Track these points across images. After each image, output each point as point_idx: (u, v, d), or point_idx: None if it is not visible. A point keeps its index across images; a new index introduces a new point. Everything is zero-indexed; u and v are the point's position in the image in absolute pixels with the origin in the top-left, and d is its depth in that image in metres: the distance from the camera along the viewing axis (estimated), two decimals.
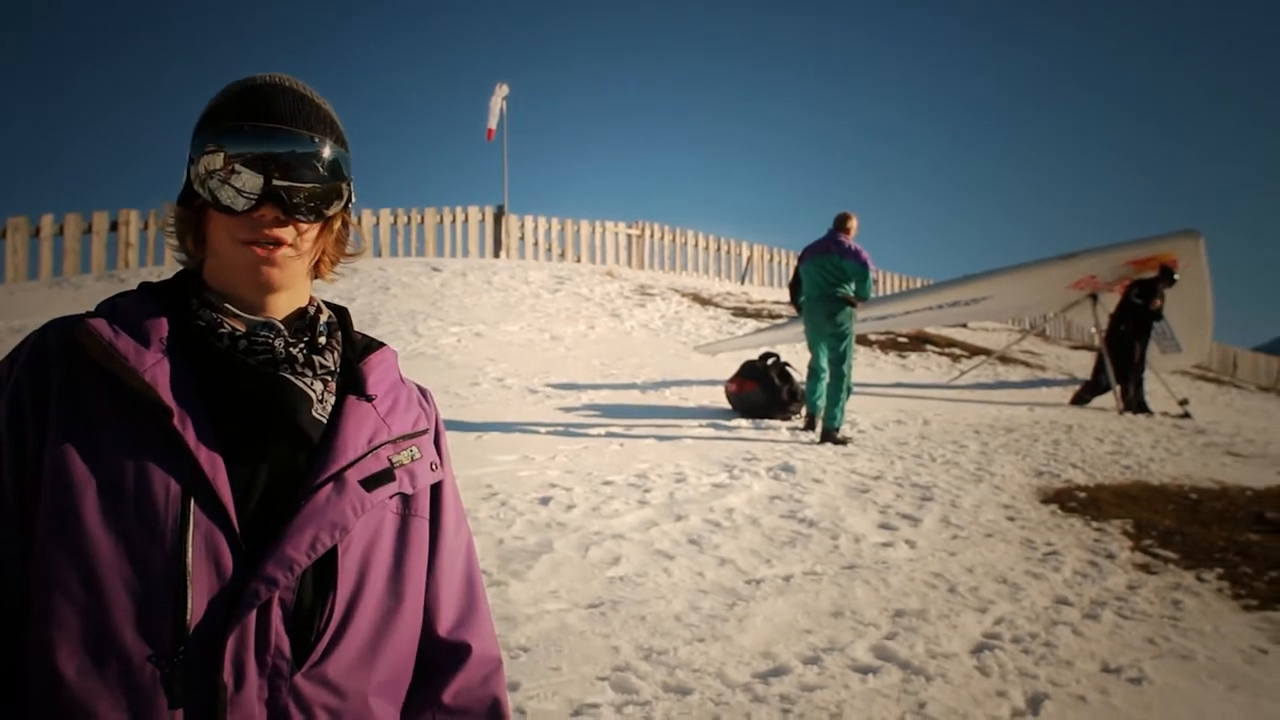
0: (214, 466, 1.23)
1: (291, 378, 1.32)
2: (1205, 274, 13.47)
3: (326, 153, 1.33)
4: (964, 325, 20.00)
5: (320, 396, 1.34)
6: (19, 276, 15.97)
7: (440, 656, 1.42)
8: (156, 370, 1.25)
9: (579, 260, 21.39)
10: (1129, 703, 4.18)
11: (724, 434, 9.22)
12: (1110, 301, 14.04)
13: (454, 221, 20.01)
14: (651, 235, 22.85)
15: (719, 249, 24.25)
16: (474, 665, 1.44)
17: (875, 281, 9.81)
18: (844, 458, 8.45)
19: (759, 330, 14.61)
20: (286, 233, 1.31)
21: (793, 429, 9.69)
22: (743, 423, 9.82)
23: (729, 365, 11.56)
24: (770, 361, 10.42)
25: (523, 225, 20.97)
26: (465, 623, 1.45)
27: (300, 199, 1.30)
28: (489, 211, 20.57)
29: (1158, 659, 4.66)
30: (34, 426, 1.23)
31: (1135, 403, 12.96)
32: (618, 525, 6.05)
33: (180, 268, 1.40)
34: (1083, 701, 4.14)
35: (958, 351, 17.13)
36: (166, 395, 1.24)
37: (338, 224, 1.41)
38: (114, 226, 16.89)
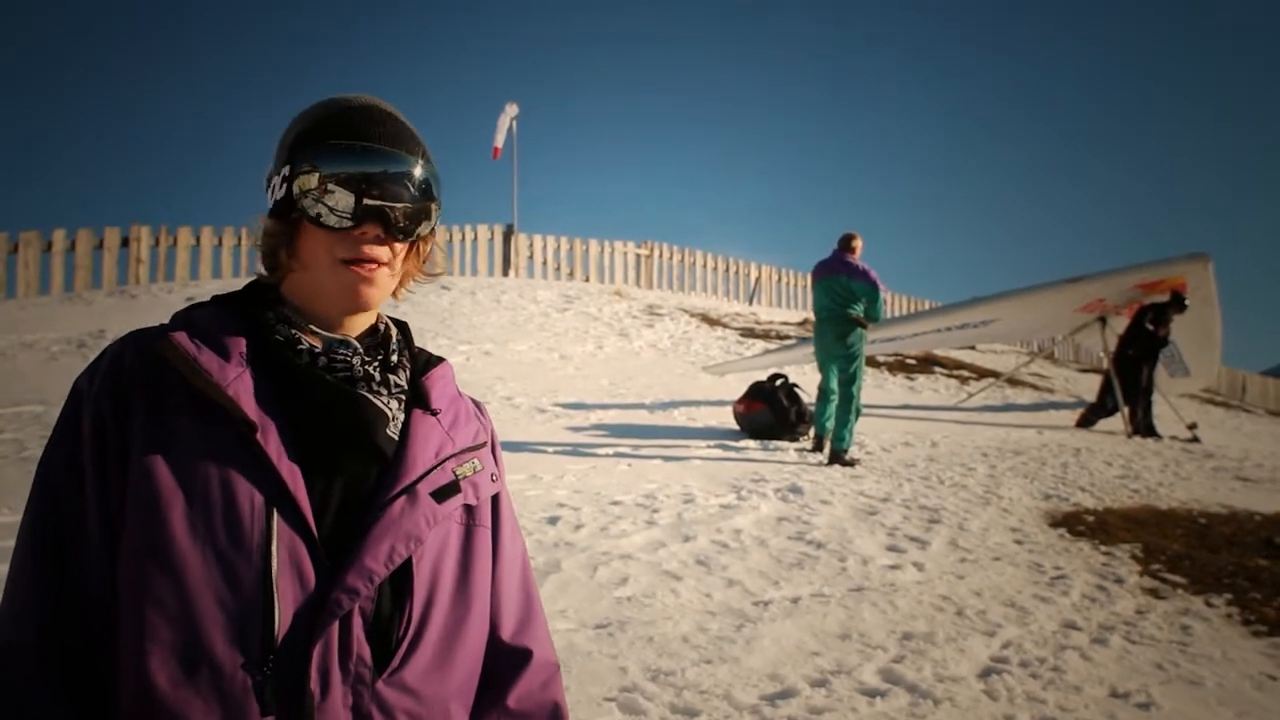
0: (294, 480, 1.26)
1: (370, 396, 1.35)
2: (1214, 297, 13.44)
3: (418, 172, 1.36)
4: (972, 347, 19.97)
5: (394, 414, 1.37)
6: (30, 291, 16.05)
7: (503, 661, 1.46)
8: (239, 385, 1.27)
9: (588, 279, 21.44)
10: None
11: (732, 455, 9.23)
12: (1119, 325, 14.03)
13: (463, 240, 20.05)
14: (660, 255, 22.90)
15: (727, 269, 24.29)
16: (535, 670, 1.48)
17: (885, 302, 9.81)
18: (852, 479, 8.44)
19: (767, 351, 14.61)
20: (384, 252, 1.35)
21: (801, 450, 9.69)
22: (751, 444, 9.82)
23: (737, 386, 11.58)
24: (779, 383, 10.42)
25: (531, 244, 21.03)
26: (525, 628, 1.49)
27: (396, 216, 1.34)
28: (498, 230, 20.63)
29: (1166, 685, 4.65)
30: (116, 441, 1.26)
31: (1144, 426, 12.93)
32: (625, 545, 6.06)
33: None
34: None
35: (966, 374, 17.11)
36: (250, 409, 1.26)
37: (425, 247, 1.44)
38: (125, 242, 16.98)
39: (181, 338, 1.29)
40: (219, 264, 17.79)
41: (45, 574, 1.24)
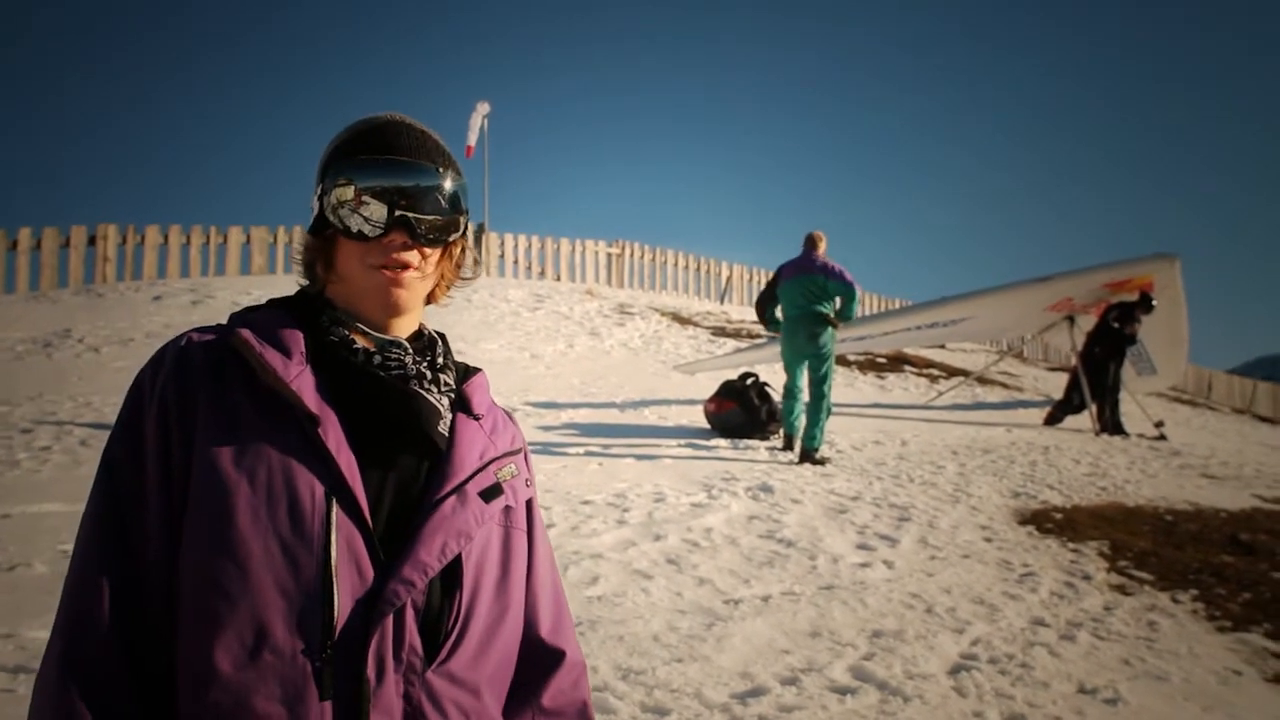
0: (352, 473, 1.32)
1: (423, 392, 1.42)
2: (1181, 297, 13.57)
3: (448, 185, 1.45)
4: (942, 346, 20.08)
5: (445, 411, 1.44)
6: None
7: (539, 659, 1.52)
8: (301, 381, 1.34)
9: (559, 279, 21.38)
10: None
11: (703, 454, 9.23)
12: (1087, 324, 14.14)
13: None
14: (631, 254, 22.87)
15: (698, 268, 24.29)
16: (567, 670, 1.54)
17: (859, 302, 9.85)
18: (822, 478, 8.46)
19: (738, 350, 14.62)
20: (413, 257, 1.42)
21: (771, 449, 9.71)
22: (721, 442, 9.83)
23: (708, 385, 11.58)
24: (749, 381, 10.44)
25: (503, 243, 20.96)
26: (559, 629, 1.56)
27: (424, 229, 1.41)
28: (469, 229, 20.52)
29: (1133, 680, 4.69)
30: (179, 434, 1.31)
31: (1111, 424, 13.03)
32: (596, 545, 6.04)
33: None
34: None
35: (936, 372, 17.20)
36: (313, 403, 1.33)
37: (457, 250, 1.52)
38: (92, 241, 16.79)
39: (249, 335, 1.35)
40: (187, 263, 17.62)
41: (109, 560, 1.29)
